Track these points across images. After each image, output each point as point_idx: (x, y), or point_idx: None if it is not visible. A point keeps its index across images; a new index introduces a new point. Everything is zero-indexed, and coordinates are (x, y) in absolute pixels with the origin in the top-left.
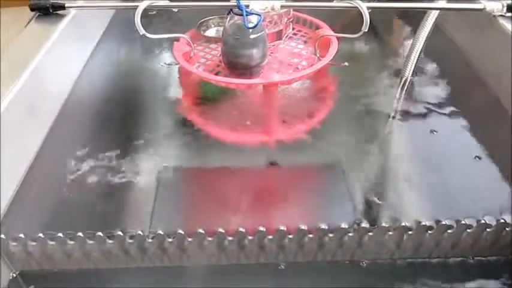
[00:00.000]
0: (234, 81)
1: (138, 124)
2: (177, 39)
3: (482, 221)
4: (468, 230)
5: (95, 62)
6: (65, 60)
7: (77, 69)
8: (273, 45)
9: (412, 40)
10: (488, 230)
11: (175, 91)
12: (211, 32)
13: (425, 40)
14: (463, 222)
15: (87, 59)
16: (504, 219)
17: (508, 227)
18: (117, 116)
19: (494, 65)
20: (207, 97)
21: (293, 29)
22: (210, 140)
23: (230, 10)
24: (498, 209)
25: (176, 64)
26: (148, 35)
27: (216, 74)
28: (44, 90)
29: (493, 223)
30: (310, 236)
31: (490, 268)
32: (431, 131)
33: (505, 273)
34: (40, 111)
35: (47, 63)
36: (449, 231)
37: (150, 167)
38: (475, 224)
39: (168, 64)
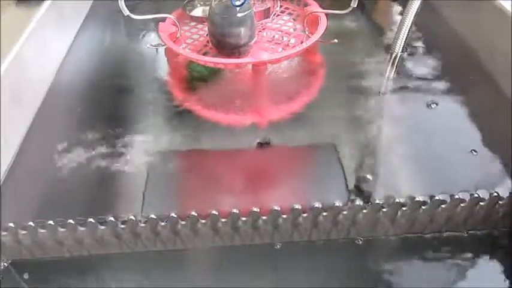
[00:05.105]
0: (222, 61)
1: (126, 108)
2: (163, 20)
3: (476, 195)
4: (462, 204)
5: (79, 45)
6: (48, 44)
7: (60, 54)
8: (261, 24)
9: (401, 15)
10: (481, 203)
11: (162, 73)
12: (197, 12)
13: (415, 15)
14: (456, 196)
15: (71, 43)
16: (497, 193)
17: (500, 201)
18: (104, 100)
19: (485, 38)
20: (196, 78)
21: (281, 6)
22: (200, 121)
23: None
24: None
25: (163, 45)
26: (132, 15)
27: (204, 54)
28: (28, 76)
29: (486, 197)
30: (305, 215)
31: (484, 242)
32: (427, 106)
33: (498, 246)
34: (24, 96)
35: (29, 48)
36: (443, 206)
37: (140, 150)
38: (468, 198)
39: (155, 45)
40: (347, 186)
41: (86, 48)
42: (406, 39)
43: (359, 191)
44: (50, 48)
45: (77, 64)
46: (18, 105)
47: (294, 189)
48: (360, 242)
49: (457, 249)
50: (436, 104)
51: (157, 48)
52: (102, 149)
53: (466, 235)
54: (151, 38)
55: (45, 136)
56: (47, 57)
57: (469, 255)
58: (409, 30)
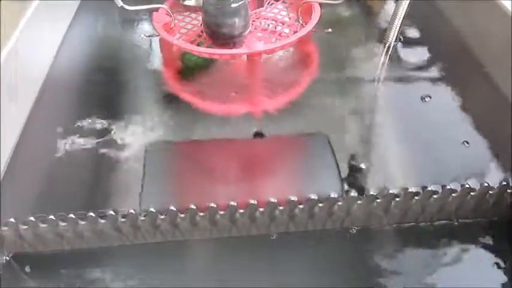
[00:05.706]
0: (217, 52)
1: (121, 99)
2: (157, 10)
3: (467, 185)
4: (453, 195)
5: (72, 37)
6: (41, 37)
7: (54, 47)
8: (255, 13)
9: (395, 5)
10: (472, 193)
11: (157, 63)
12: (191, 1)
13: (408, 5)
14: (448, 187)
15: (64, 35)
16: (487, 183)
17: (491, 191)
18: (98, 92)
19: (478, 28)
20: (190, 68)
21: None
22: (195, 111)
23: None
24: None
25: (157, 35)
26: (126, 6)
27: (198, 44)
28: (22, 69)
29: (477, 187)
30: (301, 206)
31: (474, 230)
32: (422, 98)
33: (488, 234)
34: (20, 90)
35: (23, 41)
36: (435, 196)
37: (137, 142)
38: (459, 189)
39: (149, 36)
40: (341, 177)
41: (79, 40)
42: (399, 28)
43: (353, 182)
44: (43, 41)
45: (70, 56)
46: (14, 98)
47: (290, 181)
48: (354, 232)
49: (449, 237)
50: (430, 97)
51: (151, 39)
52: (98, 141)
53: (457, 224)
54: (146, 28)
55: (42, 129)
56: (41, 50)
57: (460, 243)
58: (402, 20)
